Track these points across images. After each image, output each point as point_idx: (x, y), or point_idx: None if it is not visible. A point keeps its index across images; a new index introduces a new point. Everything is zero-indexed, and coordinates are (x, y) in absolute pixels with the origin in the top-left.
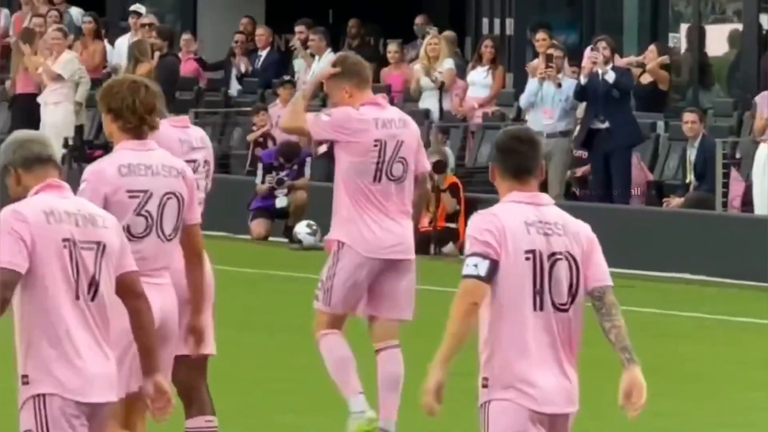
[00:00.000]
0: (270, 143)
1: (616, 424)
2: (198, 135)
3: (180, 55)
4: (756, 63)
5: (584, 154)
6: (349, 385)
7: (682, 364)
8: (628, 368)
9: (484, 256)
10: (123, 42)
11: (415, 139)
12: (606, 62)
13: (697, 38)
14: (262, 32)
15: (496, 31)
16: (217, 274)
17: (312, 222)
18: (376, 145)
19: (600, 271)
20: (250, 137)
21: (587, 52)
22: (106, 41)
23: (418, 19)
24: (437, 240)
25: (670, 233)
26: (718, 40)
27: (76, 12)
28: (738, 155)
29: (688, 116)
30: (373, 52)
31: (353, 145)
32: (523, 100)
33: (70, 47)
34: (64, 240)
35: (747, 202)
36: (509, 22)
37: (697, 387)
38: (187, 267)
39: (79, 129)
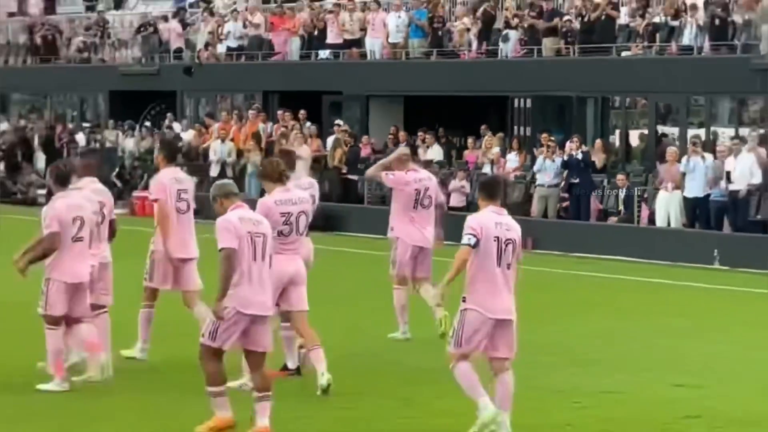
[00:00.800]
0: None
1: (554, 335)
2: (308, 181)
3: (361, 145)
4: (654, 149)
5: (566, 195)
6: (402, 317)
7: (618, 301)
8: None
9: (473, 236)
10: (330, 139)
11: (435, 185)
12: (577, 148)
13: (625, 137)
14: (402, 134)
15: (522, 133)
16: (382, 259)
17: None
18: (416, 191)
19: (521, 252)
20: None
21: (568, 143)
22: (320, 140)
23: (483, 127)
24: None
25: (611, 236)
26: (635, 138)
27: (308, 124)
28: (646, 196)
29: (620, 177)
30: (458, 145)
31: (403, 192)
32: (535, 168)
33: (305, 142)
34: (248, 232)
35: (651, 221)
36: (528, 128)
37: (626, 313)
38: None
39: None
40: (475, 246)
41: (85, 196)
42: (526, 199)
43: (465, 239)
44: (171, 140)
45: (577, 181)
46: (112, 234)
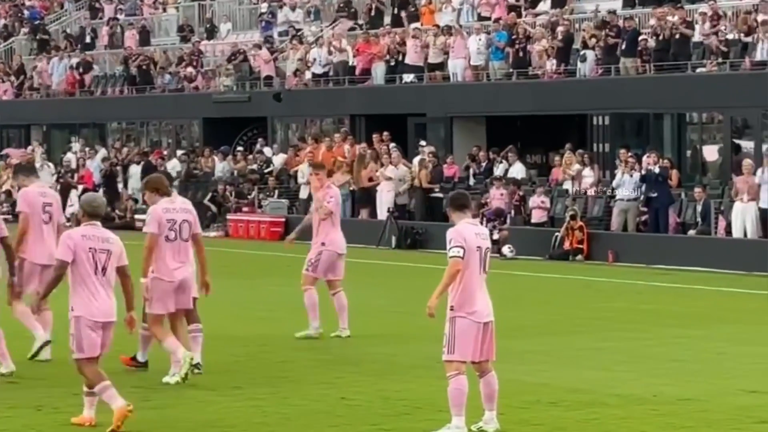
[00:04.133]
0: (488, 207)
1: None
2: (181, 200)
3: (445, 166)
4: (730, 162)
5: (645, 209)
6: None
7: (696, 310)
8: None
9: (461, 248)
10: (416, 160)
11: None
12: (655, 163)
13: (700, 152)
14: (482, 153)
15: (601, 149)
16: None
17: (511, 245)
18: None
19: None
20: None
21: (645, 158)
22: (406, 160)
23: (567, 145)
24: (573, 253)
25: (689, 247)
26: (711, 152)
27: (392, 145)
28: (722, 208)
29: (697, 190)
30: (539, 163)
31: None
32: (614, 183)
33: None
34: (90, 248)
35: (728, 232)
36: (607, 145)
37: (703, 322)
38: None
39: (401, 205)
40: (463, 257)
41: None
42: (606, 213)
43: (454, 252)
44: (25, 164)
45: (655, 194)
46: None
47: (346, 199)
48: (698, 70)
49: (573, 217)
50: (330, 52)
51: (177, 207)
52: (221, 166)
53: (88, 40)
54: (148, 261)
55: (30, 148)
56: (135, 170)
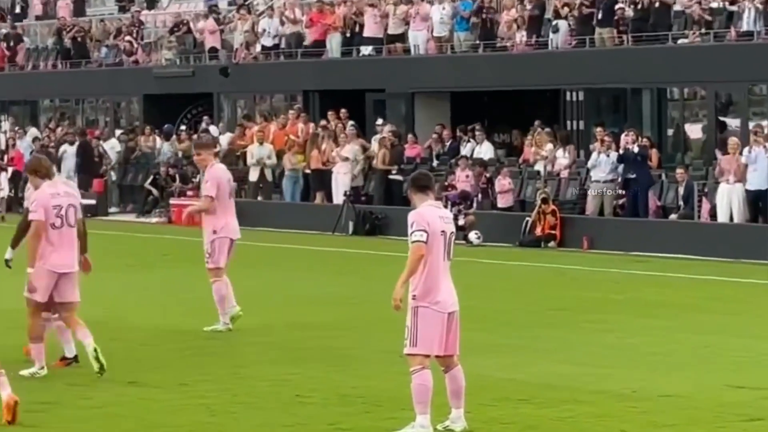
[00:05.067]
0: (453, 190)
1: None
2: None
3: (406, 146)
4: (714, 142)
5: (623, 192)
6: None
7: (679, 300)
8: None
9: (424, 231)
10: (375, 138)
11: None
12: (633, 142)
13: (682, 129)
14: (447, 132)
15: (575, 127)
16: None
17: (478, 231)
18: (228, 181)
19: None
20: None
21: (623, 137)
22: (364, 139)
23: (536, 122)
24: (545, 240)
25: (670, 233)
26: (694, 130)
27: (350, 123)
28: (706, 190)
29: (678, 170)
30: (507, 140)
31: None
32: (590, 164)
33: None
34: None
35: (713, 216)
36: (581, 123)
37: (687, 313)
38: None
39: (355, 187)
40: (427, 242)
41: None
42: (581, 196)
43: (416, 236)
44: None
45: (633, 176)
46: None
47: (296, 181)
48: (680, 41)
49: (545, 201)
50: (281, 23)
51: (61, 191)
52: (164, 147)
53: (18, 10)
54: (36, 249)
55: None
56: (70, 151)
